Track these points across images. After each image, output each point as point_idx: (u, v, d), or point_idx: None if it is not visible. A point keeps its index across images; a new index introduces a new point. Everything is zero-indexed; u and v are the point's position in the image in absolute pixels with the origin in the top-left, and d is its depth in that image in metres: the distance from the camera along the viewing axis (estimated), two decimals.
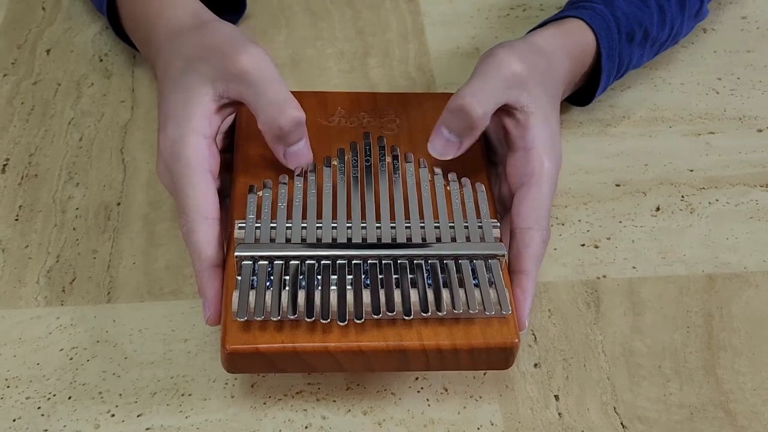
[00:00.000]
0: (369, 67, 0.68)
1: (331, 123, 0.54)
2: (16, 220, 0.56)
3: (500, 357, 0.44)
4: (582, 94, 0.62)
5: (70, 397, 0.47)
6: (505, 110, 0.50)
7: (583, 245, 0.56)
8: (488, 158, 0.54)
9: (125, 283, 0.52)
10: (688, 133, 0.64)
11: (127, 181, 0.58)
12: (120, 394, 0.48)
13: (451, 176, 0.50)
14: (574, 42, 0.56)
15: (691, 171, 0.61)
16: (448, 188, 0.49)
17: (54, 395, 0.47)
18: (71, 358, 0.49)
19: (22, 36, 0.68)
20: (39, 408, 0.47)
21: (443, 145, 0.49)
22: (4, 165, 0.59)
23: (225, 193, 0.51)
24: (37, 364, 0.49)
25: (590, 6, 0.58)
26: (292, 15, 0.72)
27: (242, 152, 0.51)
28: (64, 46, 0.68)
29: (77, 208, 0.56)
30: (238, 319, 0.42)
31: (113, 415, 0.47)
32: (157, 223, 0.56)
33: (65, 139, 0.61)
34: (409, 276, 0.44)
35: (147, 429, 0.46)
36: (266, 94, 0.47)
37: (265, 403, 0.48)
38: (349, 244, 0.45)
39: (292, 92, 0.55)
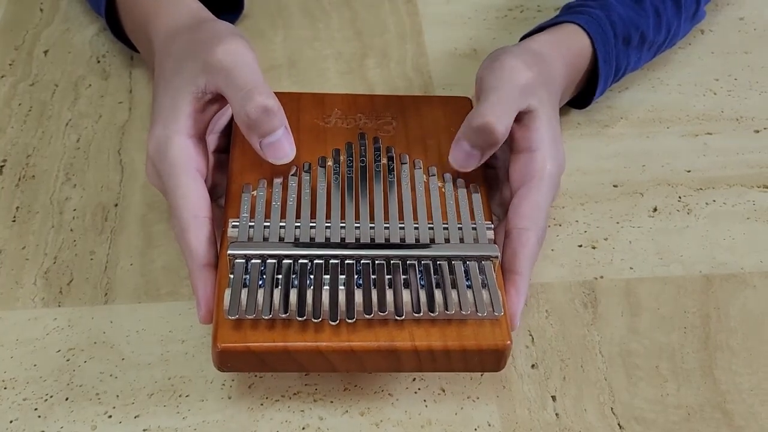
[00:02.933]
0: (367, 68, 0.68)
1: (328, 124, 0.54)
2: (14, 221, 0.56)
3: (492, 359, 0.44)
4: (580, 97, 0.62)
5: (67, 399, 0.47)
6: None
7: (581, 246, 0.56)
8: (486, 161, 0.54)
9: (122, 285, 0.52)
10: (685, 133, 0.64)
11: (125, 183, 0.58)
12: (117, 395, 0.48)
13: (447, 178, 0.50)
14: (569, 47, 0.56)
15: (689, 172, 0.61)
16: (442, 189, 0.49)
17: (51, 396, 0.47)
18: (68, 360, 0.49)
19: (20, 37, 0.68)
20: (36, 409, 0.47)
21: (465, 158, 0.49)
22: (2, 166, 0.59)
23: (219, 192, 0.51)
24: (34, 365, 0.49)
25: (586, 11, 0.58)
26: (289, 16, 0.72)
27: (238, 151, 0.51)
28: (62, 47, 0.68)
29: (74, 210, 0.56)
30: (230, 317, 0.42)
31: (110, 417, 0.47)
32: (154, 224, 0.56)
33: (62, 140, 0.61)
34: (402, 276, 0.44)
35: (144, 430, 0.46)
36: (236, 82, 0.46)
37: (262, 404, 0.48)
38: (342, 244, 0.45)
39: (289, 93, 0.56)
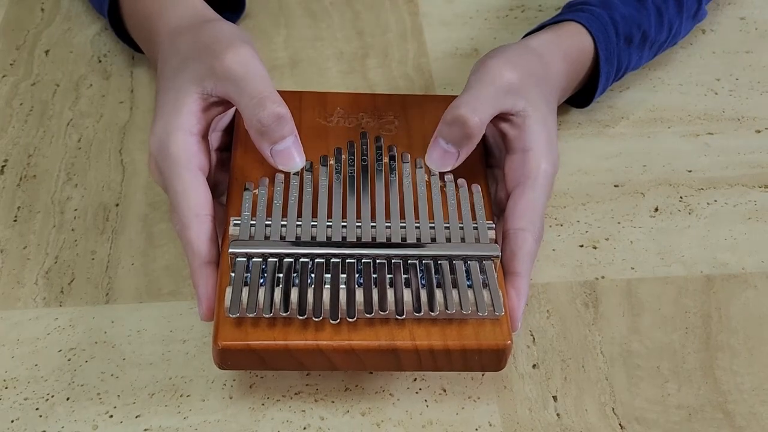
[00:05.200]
0: (368, 67, 0.68)
1: (330, 123, 0.54)
2: (15, 221, 0.56)
3: (493, 358, 0.44)
4: (581, 96, 0.62)
5: (68, 398, 0.47)
6: (501, 117, 0.50)
7: (582, 246, 0.56)
8: (486, 161, 0.54)
9: (124, 284, 0.53)
10: (686, 133, 0.64)
11: (126, 182, 0.58)
12: (118, 395, 0.48)
13: (448, 177, 0.50)
14: (571, 45, 0.56)
15: (690, 172, 0.61)
16: (444, 189, 0.49)
17: (52, 396, 0.47)
18: (69, 359, 0.49)
19: (21, 37, 0.68)
20: (37, 409, 0.47)
21: (441, 156, 0.49)
22: (3, 166, 0.59)
23: (221, 190, 0.51)
24: (36, 365, 0.49)
25: (588, 9, 0.58)
26: (291, 15, 0.72)
27: (240, 149, 0.51)
28: (63, 46, 0.68)
29: (76, 209, 0.56)
30: (230, 315, 0.42)
31: (111, 416, 0.47)
32: (155, 223, 0.56)
33: (64, 140, 0.61)
34: (403, 276, 0.44)
35: (145, 430, 0.46)
36: (248, 90, 0.46)
37: (263, 404, 0.48)
38: (343, 243, 0.45)
39: (292, 92, 0.56)
